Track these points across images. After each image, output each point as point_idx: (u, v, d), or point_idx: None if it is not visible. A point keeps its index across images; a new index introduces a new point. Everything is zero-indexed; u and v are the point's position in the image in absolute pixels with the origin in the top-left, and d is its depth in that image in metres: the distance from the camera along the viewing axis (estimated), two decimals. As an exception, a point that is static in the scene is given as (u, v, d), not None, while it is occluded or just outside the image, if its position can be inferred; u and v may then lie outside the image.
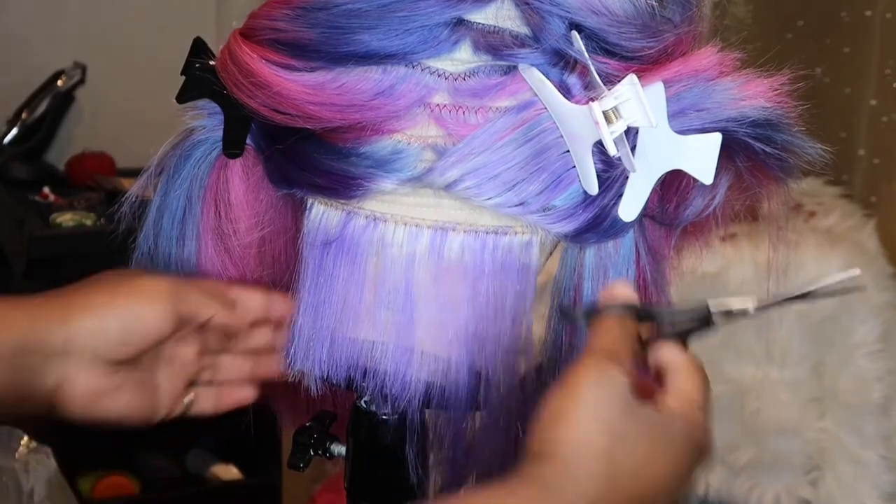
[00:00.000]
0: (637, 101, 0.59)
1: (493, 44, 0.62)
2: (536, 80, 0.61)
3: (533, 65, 0.62)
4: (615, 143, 0.60)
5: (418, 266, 0.64)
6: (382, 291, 0.64)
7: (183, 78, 0.70)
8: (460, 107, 0.62)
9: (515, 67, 0.62)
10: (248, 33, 0.66)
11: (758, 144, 0.63)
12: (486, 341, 0.64)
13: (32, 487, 1.19)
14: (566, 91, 0.61)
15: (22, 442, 1.22)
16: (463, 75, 0.63)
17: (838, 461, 1.72)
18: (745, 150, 0.63)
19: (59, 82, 2.29)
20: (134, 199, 0.72)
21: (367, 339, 0.65)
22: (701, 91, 0.62)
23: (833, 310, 1.71)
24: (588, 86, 0.61)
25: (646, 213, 0.65)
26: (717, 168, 0.63)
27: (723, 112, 0.62)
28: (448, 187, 0.62)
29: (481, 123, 0.62)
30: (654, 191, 0.64)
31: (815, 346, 1.72)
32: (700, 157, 0.61)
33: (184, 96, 0.69)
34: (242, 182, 0.70)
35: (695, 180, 0.62)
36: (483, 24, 0.63)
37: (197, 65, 0.68)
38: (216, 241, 0.72)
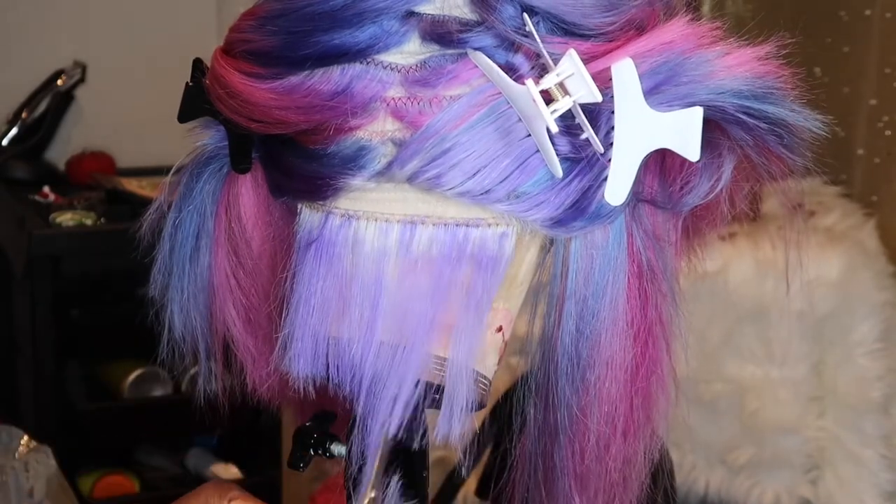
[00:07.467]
0: (579, 75, 0.58)
1: (440, 32, 0.61)
2: (484, 63, 0.60)
3: (479, 48, 0.61)
4: (580, 123, 0.58)
5: (389, 261, 0.63)
6: (356, 288, 0.64)
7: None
8: (415, 98, 0.62)
9: (466, 54, 0.61)
10: (226, 48, 0.67)
11: (750, 119, 0.60)
12: (449, 332, 0.63)
13: (32, 487, 1.19)
14: (514, 72, 0.60)
15: (22, 441, 1.22)
16: (414, 67, 0.62)
17: (838, 460, 1.72)
18: (739, 126, 0.61)
19: (59, 81, 2.29)
20: (153, 215, 0.73)
21: (344, 336, 0.64)
22: (676, 65, 0.59)
23: (833, 308, 1.71)
24: (542, 67, 0.59)
25: (643, 198, 0.63)
26: (714, 145, 0.62)
27: (702, 85, 0.59)
28: (410, 179, 0.62)
29: (436, 113, 0.61)
30: (652, 173, 0.63)
31: (815, 345, 1.72)
32: (683, 133, 0.59)
33: (182, 116, 0.70)
34: (253, 195, 0.71)
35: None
36: (431, 14, 0.62)
37: (191, 84, 0.69)
38: (229, 254, 0.72)
